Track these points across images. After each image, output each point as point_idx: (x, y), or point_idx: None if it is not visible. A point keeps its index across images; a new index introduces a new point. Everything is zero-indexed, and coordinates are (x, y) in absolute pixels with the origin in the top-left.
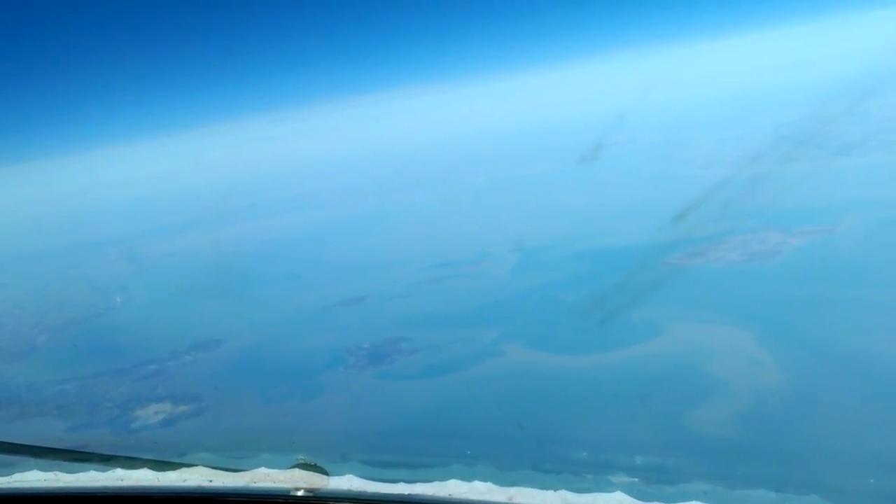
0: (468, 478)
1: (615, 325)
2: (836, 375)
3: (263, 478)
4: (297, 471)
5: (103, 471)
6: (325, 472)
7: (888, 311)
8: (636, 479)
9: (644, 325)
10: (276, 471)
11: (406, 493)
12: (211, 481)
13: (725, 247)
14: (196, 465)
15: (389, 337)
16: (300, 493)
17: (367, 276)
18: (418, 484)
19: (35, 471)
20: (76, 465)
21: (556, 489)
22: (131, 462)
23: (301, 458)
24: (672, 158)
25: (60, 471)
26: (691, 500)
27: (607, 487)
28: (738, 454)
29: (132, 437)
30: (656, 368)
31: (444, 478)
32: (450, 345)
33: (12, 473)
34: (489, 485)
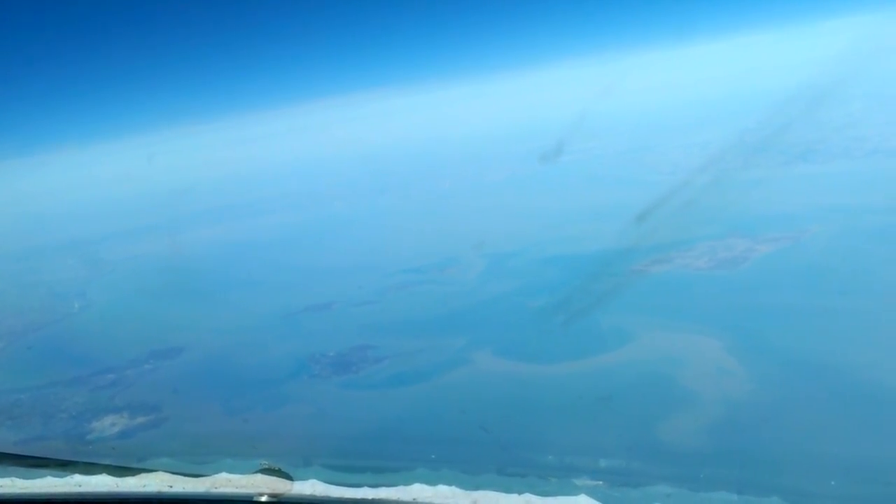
0: (432, 482)
1: (583, 332)
2: (802, 382)
3: (225, 483)
4: (259, 476)
5: (61, 476)
6: (288, 477)
7: (855, 318)
8: (600, 483)
9: (612, 332)
10: (239, 476)
11: (370, 497)
12: (171, 487)
13: (693, 254)
14: (156, 471)
15: (355, 345)
16: (263, 499)
17: (334, 281)
18: (382, 488)
19: None
20: (33, 470)
21: (520, 492)
22: (90, 468)
23: (264, 462)
24: (639, 164)
25: (17, 476)
26: (654, 502)
27: (572, 491)
28: (702, 458)
29: (89, 446)
30: (624, 376)
31: (408, 482)
32: (417, 353)
33: None
34: (453, 488)
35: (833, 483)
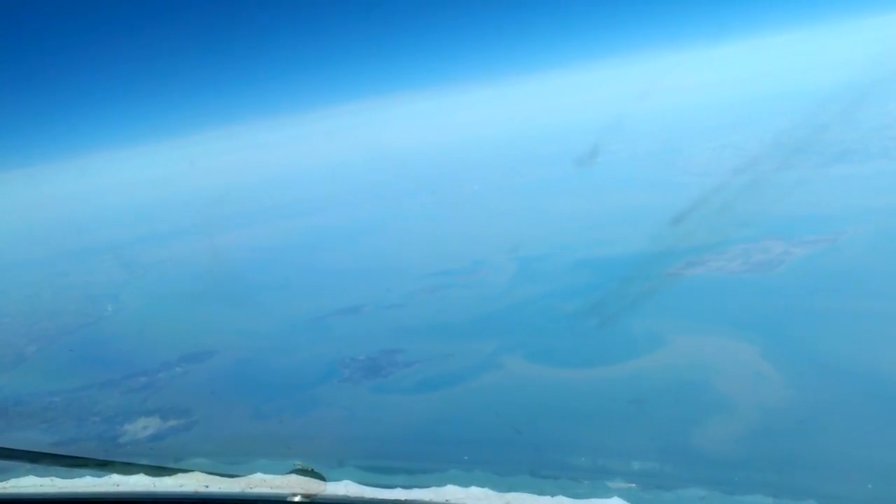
0: (465, 483)
1: (616, 336)
2: (838, 387)
3: (260, 483)
4: (293, 476)
5: (99, 476)
6: (322, 478)
7: (893, 322)
8: (633, 485)
9: (645, 337)
10: (273, 476)
11: (403, 498)
12: (207, 487)
13: (726, 256)
14: (192, 471)
15: (385, 348)
16: (297, 499)
17: (363, 284)
18: (415, 489)
19: (31, 476)
20: (72, 470)
21: (553, 495)
22: (127, 468)
23: (298, 463)
24: (670, 165)
25: (57, 476)
26: None
27: (605, 493)
28: (736, 462)
29: (122, 449)
30: (658, 380)
31: (441, 483)
32: (447, 357)
33: (8, 479)
34: (486, 490)
35: (870, 486)
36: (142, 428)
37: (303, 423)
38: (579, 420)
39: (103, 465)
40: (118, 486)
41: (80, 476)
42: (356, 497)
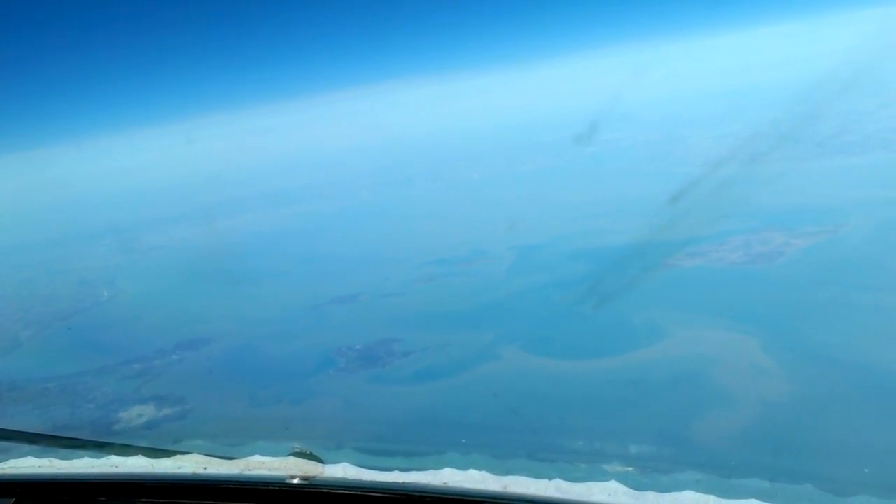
0: (463, 466)
1: (614, 328)
2: (838, 379)
3: (258, 465)
4: (292, 459)
5: (98, 457)
6: (320, 461)
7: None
8: (630, 469)
9: (644, 328)
10: (272, 459)
11: (401, 481)
12: (206, 468)
13: (727, 247)
14: (191, 453)
15: (382, 338)
16: (295, 481)
17: (360, 272)
18: (413, 472)
19: (30, 457)
20: (71, 451)
21: (550, 478)
22: (126, 449)
23: (296, 446)
24: (669, 155)
25: (55, 457)
26: (685, 489)
27: (602, 476)
28: (733, 448)
29: (115, 437)
30: (656, 372)
31: (438, 466)
32: (444, 347)
33: (7, 460)
34: (484, 473)
35: (867, 471)
36: (137, 415)
37: (300, 410)
38: (577, 407)
39: (101, 447)
40: (116, 467)
41: (79, 457)
42: (354, 479)
